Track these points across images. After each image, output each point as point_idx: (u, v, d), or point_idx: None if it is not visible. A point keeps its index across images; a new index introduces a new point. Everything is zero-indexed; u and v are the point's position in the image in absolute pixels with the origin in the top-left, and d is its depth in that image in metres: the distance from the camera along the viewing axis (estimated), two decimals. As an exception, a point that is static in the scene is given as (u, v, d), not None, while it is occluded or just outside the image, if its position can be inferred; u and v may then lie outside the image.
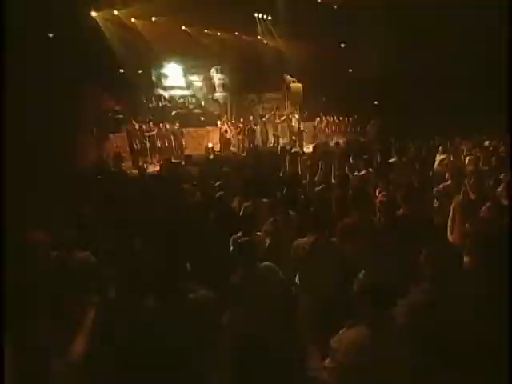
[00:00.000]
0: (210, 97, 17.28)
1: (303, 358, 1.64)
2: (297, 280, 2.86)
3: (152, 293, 2.14)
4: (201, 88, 17.00)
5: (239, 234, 3.18)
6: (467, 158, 7.32)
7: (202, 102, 16.87)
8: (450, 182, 4.65)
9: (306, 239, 2.84)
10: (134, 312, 2.10)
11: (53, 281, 2.77)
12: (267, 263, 2.58)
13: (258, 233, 3.33)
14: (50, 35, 11.77)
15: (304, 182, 5.46)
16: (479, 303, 1.76)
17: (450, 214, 2.72)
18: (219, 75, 17.57)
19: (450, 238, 2.69)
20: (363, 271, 1.62)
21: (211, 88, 17.32)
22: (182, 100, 16.24)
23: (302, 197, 4.63)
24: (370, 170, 5.60)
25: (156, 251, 2.98)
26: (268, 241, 3.25)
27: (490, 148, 8.97)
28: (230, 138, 14.11)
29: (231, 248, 3.16)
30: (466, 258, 2.11)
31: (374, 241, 2.72)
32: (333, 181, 5.17)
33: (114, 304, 2.32)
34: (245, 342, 2.19)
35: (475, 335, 1.66)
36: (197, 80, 16.81)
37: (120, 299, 2.33)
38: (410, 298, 1.80)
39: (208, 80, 17.19)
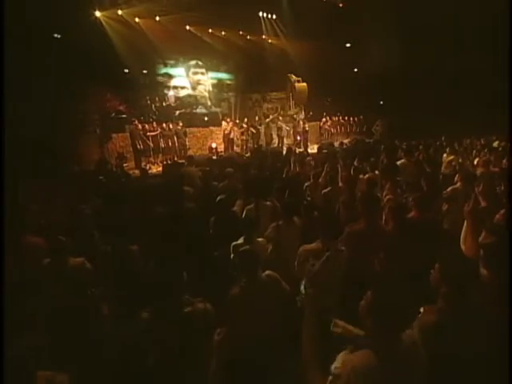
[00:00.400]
0: (219, 97, 17.21)
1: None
2: (302, 289, 2.72)
3: (147, 306, 2.03)
4: (205, 88, 16.90)
5: (240, 241, 3.05)
6: (476, 159, 7.12)
7: (209, 102, 16.77)
8: (458, 184, 4.48)
9: (313, 245, 2.71)
10: (126, 327, 1.99)
11: (46, 288, 2.67)
12: (269, 273, 2.45)
13: (260, 239, 3.19)
14: (56, 35, 11.78)
15: (307, 183, 5.30)
16: (497, 323, 1.62)
17: (464, 225, 2.55)
18: (224, 75, 17.50)
19: (462, 247, 2.53)
20: (372, 288, 1.47)
21: (217, 88, 17.24)
22: (187, 100, 16.15)
23: (308, 199, 4.50)
24: (376, 172, 5.45)
25: (152, 259, 2.87)
26: (270, 247, 3.12)
27: (499, 148, 8.76)
28: (233, 139, 14.00)
29: (231, 255, 3.03)
30: (482, 271, 1.96)
31: (383, 248, 2.58)
32: (340, 183, 5.02)
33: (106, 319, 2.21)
34: (242, 361, 2.07)
35: (494, 363, 1.51)
36: (201, 80, 16.71)
37: (114, 313, 2.22)
38: (423, 319, 1.65)
39: (213, 80, 17.11)
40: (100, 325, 2.34)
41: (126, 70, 13.86)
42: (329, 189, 4.88)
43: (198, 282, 2.81)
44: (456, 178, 4.64)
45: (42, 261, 2.82)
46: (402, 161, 5.83)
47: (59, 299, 2.52)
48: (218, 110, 16.99)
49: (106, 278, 2.77)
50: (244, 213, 4.06)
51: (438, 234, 2.74)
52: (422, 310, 2.14)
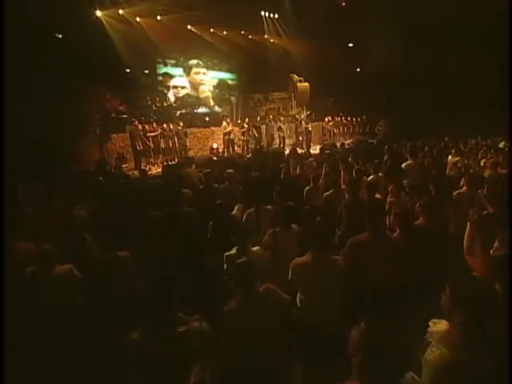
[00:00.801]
0: (220, 97, 17.08)
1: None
2: (298, 302, 2.59)
3: (139, 324, 1.89)
4: (207, 88, 16.75)
5: (233, 251, 2.90)
6: (483, 160, 6.93)
7: (211, 102, 16.63)
8: (464, 188, 4.29)
9: (304, 258, 2.56)
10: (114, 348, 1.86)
11: (30, 296, 2.54)
12: (267, 285, 2.30)
13: (255, 248, 3.04)
14: (57, 35, 11.71)
15: (308, 187, 5.13)
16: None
17: (466, 232, 2.34)
18: (226, 75, 17.38)
19: (467, 259, 2.32)
20: (364, 321, 1.28)
21: (218, 88, 17.11)
22: (188, 100, 16.01)
23: (309, 204, 4.34)
24: (380, 174, 5.29)
25: (146, 271, 2.74)
26: (268, 255, 2.98)
27: (505, 149, 8.58)
28: (233, 139, 13.83)
29: (225, 266, 2.89)
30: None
31: (389, 258, 2.41)
32: (342, 186, 4.86)
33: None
34: (240, 373, 1.93)
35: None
36: (203, 79, 16.56)
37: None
38: (432, 355, 1.42)
39: (214, 79, 16.98)
40: (86, 339, 2.22)
41: (128, 70, 13.75)
42: (331, 192, 4.73)
43: (194, 292, 2.69)
44: (462, 182, 4.44)
45: (27, 268, 2.70)
46: (408, 162, 5.66)
47: (44, 307, 2.40)
48: (219, 110, 16.87)
49: (94, 288, 2.64)
50: (244, 217, 3.93)
51: (447, 243, 2.56)
52: (431, 323, 1.99)
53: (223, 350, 2.11)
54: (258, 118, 15.65)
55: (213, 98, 16.87)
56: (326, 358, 2.21)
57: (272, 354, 2.30)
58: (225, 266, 2.91)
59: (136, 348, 1.76)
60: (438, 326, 1.83)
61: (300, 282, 2.54)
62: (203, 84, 16.54)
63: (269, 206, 4.01)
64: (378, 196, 4.35)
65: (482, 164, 6.62)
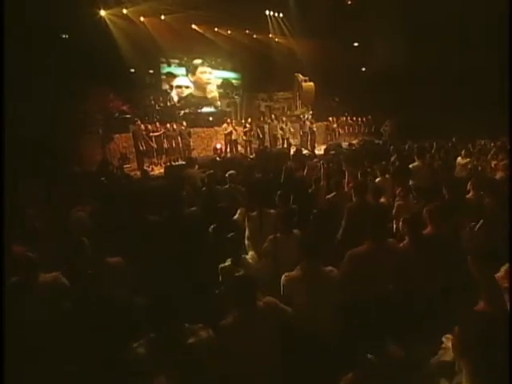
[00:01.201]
0: (225, 96, 16.95)
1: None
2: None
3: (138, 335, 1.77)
4: (212, 87, 16.63)
5: (228, 263, 2.76)
6: (493, 162, 6.71)
7: (218, 102, 16.51)
8: (471, 194, 4.06)
9: (293, 273, 2.41)
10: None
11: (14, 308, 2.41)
12: (267, 299, 2.14)
13: (249, 254, 2.89)
14: (61, 35, 11.69)
15: (310, 190, 4.96)
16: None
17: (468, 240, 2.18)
18: (230, 74, 17.26)
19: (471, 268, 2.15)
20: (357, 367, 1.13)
21: (222, 87, 16.99)
22: (192, 100, 15.91)
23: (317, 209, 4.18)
24: (387, 176, 5.12)
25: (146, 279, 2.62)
26: (267, 262, 2.83)
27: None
28: (236, 140, 13.68)
29: (220, 278, 2.75)
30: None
31: (394, 271, 2.25)
32: (345, 188, 4.69)
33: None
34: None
35: None
36: (208, 79, 16.44)
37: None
38: None
39: (218, 79, 16.87)
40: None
41: (132, 70, 13.69)
42: (333, 194, 4.54)
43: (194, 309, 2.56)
44: (468, 186, 4.21)
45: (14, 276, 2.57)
46: (415, 163, 5.48)
47: (30, 317, 2.28)
48: (223, 109, 16.74)
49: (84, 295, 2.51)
50: (246, 222, 3.78)
51: (455, 253, 2.38)
52: (445, 339, 1.85)
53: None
54: (262, 118, 15.51)
55: (220, 98, 16.75)
56: (322, 369, 2.09)
57: (271, 369, 2.17)
58: (220, 278, 2.77)
59: (143, 363, 1.64)
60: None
61: (292, 296, 2.40)
62: (210, 83, 16.40)
63: (272, 210, 3.86)
64: (383, 200, 4.19)
65: (493, 166, 6.42)
